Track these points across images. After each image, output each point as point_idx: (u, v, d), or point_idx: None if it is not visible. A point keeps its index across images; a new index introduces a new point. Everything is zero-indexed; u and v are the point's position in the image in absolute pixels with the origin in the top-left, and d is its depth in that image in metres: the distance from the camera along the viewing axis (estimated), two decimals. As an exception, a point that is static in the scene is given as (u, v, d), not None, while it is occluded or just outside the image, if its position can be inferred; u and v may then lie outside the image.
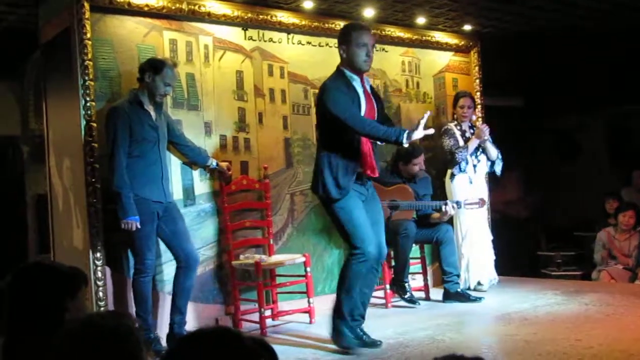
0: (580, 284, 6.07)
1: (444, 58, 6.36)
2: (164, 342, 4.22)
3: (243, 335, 1.50)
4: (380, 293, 5.29)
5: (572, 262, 7.46)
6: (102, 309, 4.21)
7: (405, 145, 3.80)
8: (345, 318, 3.89)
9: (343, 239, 4.05)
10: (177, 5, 4.67)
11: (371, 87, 4.11)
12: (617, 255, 6.45)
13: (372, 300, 5.34)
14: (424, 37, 6.09)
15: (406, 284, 5.18)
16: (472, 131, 5.66)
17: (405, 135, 3.71)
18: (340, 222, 3.89)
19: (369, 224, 3.87)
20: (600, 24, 6.26)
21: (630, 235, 6.47)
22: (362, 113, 3.87)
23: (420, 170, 5.39)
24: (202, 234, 4.77)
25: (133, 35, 4.57)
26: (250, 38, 5.12)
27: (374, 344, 3.90)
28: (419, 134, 3.76)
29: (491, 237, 5.68)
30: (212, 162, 4.72)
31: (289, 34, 5.31)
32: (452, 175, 5.58)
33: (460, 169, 5.56)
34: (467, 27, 6.22)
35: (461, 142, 5.58)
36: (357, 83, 3.92)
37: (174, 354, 1.50)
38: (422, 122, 3.77)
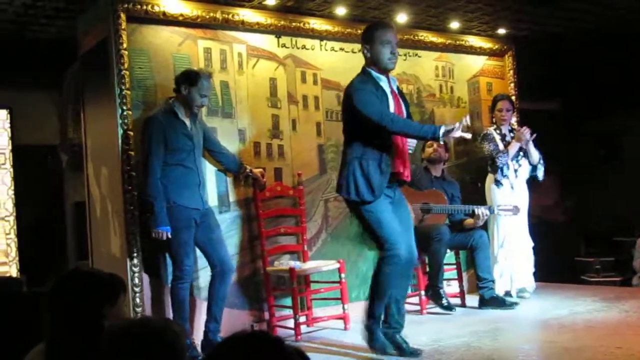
0: (620, 291, 5.95)
1: (478, 62, 6.32)
2: (199, 349, 4.26)
3: (283, 341, 1.49)
4: (415, 299, 5.26)
5: (611, 268, 7.32)
6: (139, 315, 4.26)
7: (441, 141, 3.77)
8: (376, 318, 3.87)
9: (373, 242, 4.01)
10: (211, 14, 4.73)
11: (397, 87, 4.06)
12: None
13: (407, 307, 5.34)
14: (457, 42, 6.05)
15: (441, 290, 5.13)
16: (512, 135, 5.58)
17: (441, 131, 3.66)
18: (369, 225, 3.85)
19: (398, 226, 3.83)
20: (637, 23, 6.14)
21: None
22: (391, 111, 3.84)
23: (435, 154, 5.35)
24: (236, 240, 4.81)
25: (168, 45, 4.64)
26: (284, 45, 5.15)
27: (414, 353, 3.83)
28: (456, 132, 3.70)
29: (532, 244, 5.59)
30: (247, 169, 4.76)
31: (322, 40, 5.33)
32: (496, 181, 5.50)
33: (502, 173, 5.49)
34: (501, 31, 6.17)
35: (501, 147, 5.51)
36: (384, 83, 3.87)
37: (214, 357, 1.50)
38: (462, 123, 3.72)
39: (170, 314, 4.28)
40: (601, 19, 5.96)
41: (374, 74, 3.87)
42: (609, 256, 7.44)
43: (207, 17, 4.72)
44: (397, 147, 3.85)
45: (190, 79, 4.21)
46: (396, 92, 3.96)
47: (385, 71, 3.88)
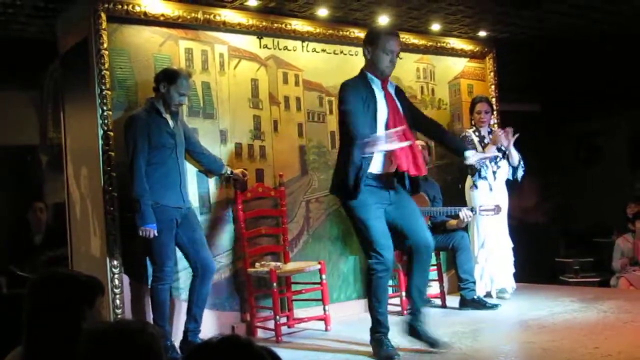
0: (599, 291, 6.02)
1: (459, 64, 6.36)
2: (179, 350, 4.24)
3: (253, 343, 1.52)
4: (396, 300, 5.28)
5: (590, 269, 7.40)
6: (119, 316, 4.24)
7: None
8: (384, 327, 3.89)
9: (361, 245, 4.05)
10: (193, 14, 4.72)
11: (397, 90, 4.05)
12: None
13: (388, 307, 5.35)
14: (438, 44, 6.08)
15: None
16: (491, 137, 5.61)
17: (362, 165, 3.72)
18: (356, 227, 3.91)
19: (386, 231, 3.84)
20: (618, 27, 6.21)
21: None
22: (383, 117, 3.83)
23: None
24: (218, 241, 4.80)
25: (149, 45, 4.62)
26: (265, 46, 5.15)
27: (441, 344, 3.86)
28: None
29: (512, 245, 5.63)
30: (228, 170, 4.75)
31: (303, 41, 5.34)
32: (474, 183, 5.54)
33: (480, 175, 5.52)
34: (482, 33, 6.21)
35: (479, 148, 5.54)
36: (376, 86, 3.89)
37: None
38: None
39: (150, 315, 4.26)
40: (581, 22, 6.01)
41: (369, 76, 3.91)
42: (587, 257, 7.52)
43: (189, 17, 4.71)
44: (387, 151, 3.81)
45: (169, 77, 4.21)
46: (393, 95, 3.94)
47: (381, 76, 3.90)
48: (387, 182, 3.91)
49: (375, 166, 3.85)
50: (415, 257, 3.92)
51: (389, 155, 3.83)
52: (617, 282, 6.43)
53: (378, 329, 3.91)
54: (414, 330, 3.94)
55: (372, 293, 3.90)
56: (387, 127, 3.80)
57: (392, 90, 3.97)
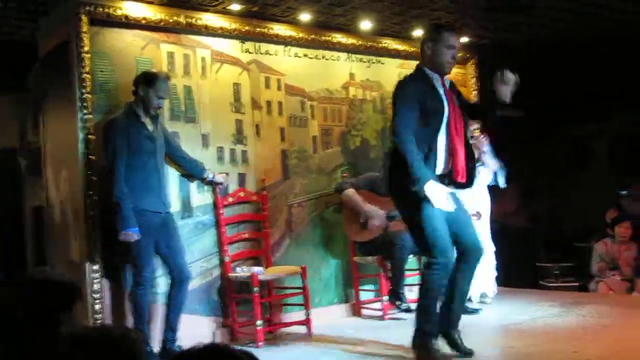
0: (578, 296, 6.06)
1: (441, 70, 6.37)
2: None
3: (232, 350, 1.51)
4: (378, 305, 5.29)
5: (570, 273, 7.45)
6: (99, 321, 4.20)
7: (415, 189, 3.60)
8: (434, 334, 3.78)
9: (421, 246, 3.89)
10: (175, 18, 4.70)
11: (452, 85, 3.97)
12: (620, 265, 6.44)
13: (369, 312, 5.38)
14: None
15: (403, 295, 5.17)
16: (472, 142, 5.63)
17: (423, 185, 3.54)
18: (418, 227, 3.71)
19: (447, 232, 3.72)
20: (597, 34, 6.27)
21: (628, 247, 6.46)
22: (445, 114, 3.74)
23: None
24: (199, 246, 4.77)
25: (131, 48, 4.60)
26: (247, 51, 5.15)
27: (468, 352, 3.83)
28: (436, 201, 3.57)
29: (493, 249, 5.66)
30: (209, 174, 4.73)
31: (285, 46, 5.34)
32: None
33: (459, 180, 5.53)
34: (464, 39, 6.24)
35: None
36: (437, 82, 3.80)
37: None
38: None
39: (130, 320, 4.23)
40: (565, 27, 6.06)
41: (428, 72, 3.81)
42: (568, 262, 7.57)
43: (171, 21, 4.69)
44: (455, 148, 3.76)
45: (147, 80, 4.20)
46: (450, 92, 3.87)
47: (440, 72, 3.82)
48: (443, 183, 3.79)
49: (439, 166, 3.77)
50: (465, 260, 3.83)
51: (450, 157, 3.77)
52: (597, 286, 6.47)
53: (428, 330, 3.78)
54: (451, 339, 3.85)
55: (427, 293, 3.75)
56: (447, 123, 3.74)
57: (448, 86, 3.88)
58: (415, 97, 3.70)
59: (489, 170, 5.61)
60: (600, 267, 6.57)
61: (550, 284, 7.32)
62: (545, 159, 8.08)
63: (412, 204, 3.68)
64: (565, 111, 7.56)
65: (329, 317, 5.28)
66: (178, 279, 4.27)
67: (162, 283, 4.49)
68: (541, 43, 6.51)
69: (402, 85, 3.81)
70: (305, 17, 5.18)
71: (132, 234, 4.06)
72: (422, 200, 3.59)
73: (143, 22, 4.59)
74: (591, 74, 7.04)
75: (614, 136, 7.97)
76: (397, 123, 3.68)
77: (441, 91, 3.80)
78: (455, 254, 3.78)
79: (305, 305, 4.79)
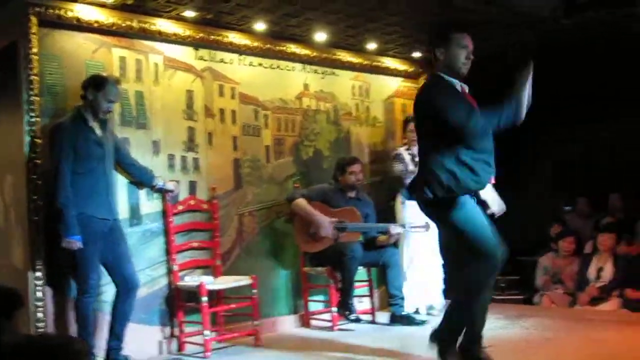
0: (522, 308, 6.18)
1: (394, 83, 6.47)
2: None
3: None
4: (327, 316, 5.29)
5: (515, 287, 7.58)
6: (41, 330, 4.08)
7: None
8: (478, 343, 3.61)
9: (465, 251, 3.62)
10: (128, 22, 4.64)
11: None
12: (563, 279, 6.58)
13: (318, 323, 5.39)
14: (374, 63, 6.18)
15: (352, 306, 5.19)
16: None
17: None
18: (461, 229, 3.53)
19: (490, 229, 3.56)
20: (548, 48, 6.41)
21: (571, 261, 6.63)
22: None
23: (357, 181, 5.42)
24: (148, 254, 4.70)
25: (81, 51, 4.51)
26: (201, 58, 5.11)
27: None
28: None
29: (441, 262, 5.73)
30: (159, 182, 4.67)
31: (240, 55, 5.32)
32: (402, 200, 5.63)
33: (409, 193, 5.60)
34: (417, 54, 6.34)
35: (411, 167, 5.62)
36: (458, 87, 3.60)
37: None
38: None
39: (74, 329, 4.13)
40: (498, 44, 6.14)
41: (447, 78, 3.58)
42: (513, 275, 7.70)
43: (123, 25, 4.62)
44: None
45: (96, 83, 4.13)
46: (470, 96, 3.68)
47: (457, 76, 3.60)
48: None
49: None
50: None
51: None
52: (540, 299, 6.61)
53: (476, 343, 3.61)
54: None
55: (477, 301, 3.57)
56: None
57: (467, 90, 3.66)
58: (455, 94, 3.53)
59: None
60: (544, 281, 6.72)
61: (496, 297, 7.44)
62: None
63: (449, 211, 3.52)
64: (506, 129, 7.72)
65: (278, 327, 5.27)
66: (125, 287, 4.19)
67: (108, 291, 4.39)
68: (484, 60, 6.61)
69: (437, 84, 3.58)
70: (260, 26, 5.18)
71: (75, 242, 3.97)
72: (456, 203, 3.48)
73: (95, 25, 4.51)
74: (536, 87, 7.21)
75: (559, 153, 8.18)
76: (458, 118, 3.41)
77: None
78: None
79: (254, 315, 4.76)
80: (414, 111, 3.86)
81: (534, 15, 4.53)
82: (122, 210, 4.53)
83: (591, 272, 6.28)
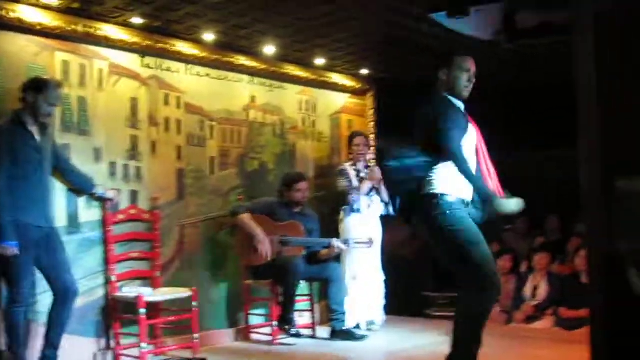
0: (462, 325, 6.25)
1: (341, 99, 6.52)
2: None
3: None
4: (267, 330, 5.26)
5: (455, 304, 7.68)
6: (-32, 341, 3.93)
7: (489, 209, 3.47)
8: None
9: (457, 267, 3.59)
10: (73, 26, 4.53)
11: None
12: (500, 298, 6.70)
13: (258, 337, 5.34)
14: (321, 78, 6.22)
15: (292, 320, 5.17)
16: (367, 171, 5.77)
17: (497, 201, 3.38)
18: (456, 244, 3.47)
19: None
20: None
21: (508, 280, 6.76)
22: (473, 140, 3.59)
23: (303, 198, 5.43)
24: (85, 263, 4.58)
25: (23, 54, 4.39)
26: (148, 66, 5.04)
27: None
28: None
29: (383, 278, 5.77)
30: (99, 190, 4.56)
31: (187, 64, 5.28)
32: (346, 215, 5.65)
33: (353, 209, 5.65)
34: (364, 71, 6.41)
35: (355, 183, 5.67)
36: (461, 108, 3.65)
37: None
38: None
39: (3, 340, 3.98)
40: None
41: (453, 100, 3.63)
42: (453, 292, 7.79)
43: (68, 29, 4.51)
44: (481, 171, 3.58)
45: (37, 86, 4.02)
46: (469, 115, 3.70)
47: (459, 97, 3.65)
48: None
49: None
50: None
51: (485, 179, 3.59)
52: (479, 316, 6.71)
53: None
54: None
55: (479, 325, 3.58)
56: (476, 151, 3.59)
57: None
58: (456, 117, 3.54)
59: (380, 201, 5.75)
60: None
61: (436, 313, 7.52)
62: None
63: (447, 229, 3.46)
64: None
65: (218, 340, 5.20)
66: (64, 295, 4.06)
67: (42, 300, 4.25)
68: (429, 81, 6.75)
69: (442, 101, 3.61)
70: (209, 36, 5.15)
71: (10, 248, 3.84)
72: (458, 225, 3.44)
73: (38, 27, 4.39)
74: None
75: (500, 172, 8.35)
76: (448, 142, 3.43)
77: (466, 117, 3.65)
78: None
79: (194, 328, 4.68)
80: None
81: (476, 39, 4.67)
82: (60, 218, 4.41)
83: (527, 290, 6.42)
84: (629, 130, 2.36)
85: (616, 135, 2.37)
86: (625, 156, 2.34)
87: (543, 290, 6.31)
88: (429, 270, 8.34)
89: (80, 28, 4.56)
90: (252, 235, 5.17)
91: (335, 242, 5.32)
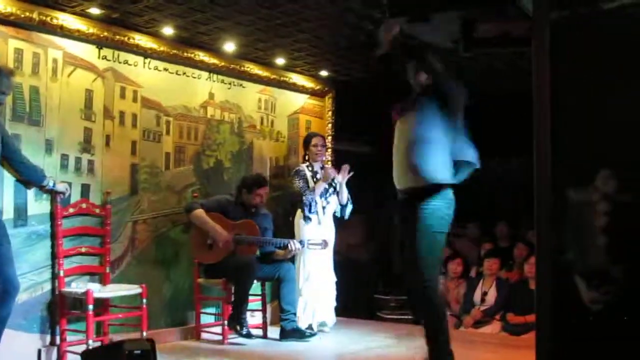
0: (412, 328, 6.28)
1: (300, 100, 6.52)
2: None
3: None
4: (218, 329, 5.22)
5: (405, 307, 7.75)
6: None
7: None
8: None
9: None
10: (27, 14, 4.42)
11: None
12: (449, 302, 6.79)
13: (209, 336, 5.30)
14: (281, 78, 6.20)
15: (244, 320, 5.14)
16: (322, 172, 5.77)
17: None
18: (428, 242, 3.86)
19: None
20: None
21: (458, 284, 6.86)
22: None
23: (261, 202, 5.41)
24: (32, 257, 4.47)
25: (-26, 40, 4.27)
26: (105, 57, 4.95)
27: None
28: None
29: (335, 279, 5.79)
30: (49, 182, 4.44)
31: (145, 58, 5.20)
32: (304, 217, 5.64)
33: (309, 210, 5.64)
34: (324, 73, 6.42)
35: (311, 184, 5.67)
36: None
37: None
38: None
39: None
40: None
41: None
42: (404, 295, 7.87)
43: (22, 16, 4.40)
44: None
45: None
46: None
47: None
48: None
49: None
50: None
51: None
52: (428, 320, 6.78)
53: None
54: None
55: (439, 318, 3.87)
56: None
57: None
58: None
59: (336, 202, 5.77)
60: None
61: (387, 316, 7.58)
62: (386, 194, 8.40)
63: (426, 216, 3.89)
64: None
65: (167, 338, 5.13)
66: (4, 290, 3.93)
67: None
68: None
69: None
70: (168, 30, 5.08)
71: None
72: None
73: (-10, 13, 4.28)
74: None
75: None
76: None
77: None
78: None
79: (143, 326, 4.61)
80: None
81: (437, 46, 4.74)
82: (7, 209, 4.30)
83: (476, 295, 6.52)
84: (581, 140, 2.41)
85: (568, 145, 2.42)
86: (577, 166, 2.40)
87: (492, 296, 6.42)
88: (381, 273, 8.42)
89: (35, 15, 4.45)
90: (207, 231, 5.12)
91: (292, 243, 5.29)
